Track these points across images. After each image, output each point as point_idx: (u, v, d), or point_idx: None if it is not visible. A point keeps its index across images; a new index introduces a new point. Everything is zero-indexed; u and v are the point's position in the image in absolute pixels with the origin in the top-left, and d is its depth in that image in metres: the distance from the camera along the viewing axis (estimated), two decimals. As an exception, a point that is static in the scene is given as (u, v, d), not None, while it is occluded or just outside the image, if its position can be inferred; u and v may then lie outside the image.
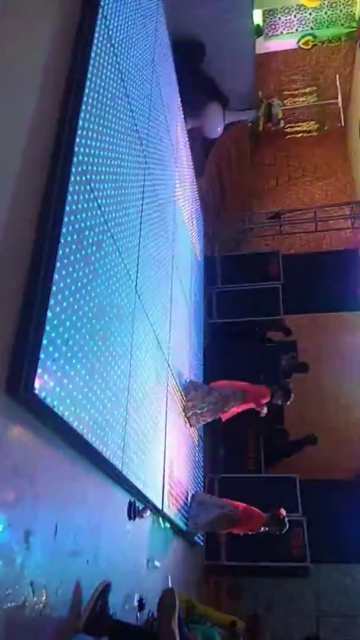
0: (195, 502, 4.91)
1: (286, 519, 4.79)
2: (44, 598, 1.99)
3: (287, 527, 4.81)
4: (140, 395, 3.37)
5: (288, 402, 5.40)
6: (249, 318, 8.16)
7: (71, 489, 2.35)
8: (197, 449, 5.81)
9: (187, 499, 4.82)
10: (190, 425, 5.18)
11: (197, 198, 7.57)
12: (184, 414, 5.03)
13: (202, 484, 5.96)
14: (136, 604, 3.22)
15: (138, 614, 3.22)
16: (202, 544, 6.08)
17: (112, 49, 3.11)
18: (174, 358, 4.74)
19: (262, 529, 4.77)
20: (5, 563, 1.74)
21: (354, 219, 9.74)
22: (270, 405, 5.25)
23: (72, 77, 2.58)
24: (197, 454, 5.78)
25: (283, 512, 4.82)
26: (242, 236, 10.63)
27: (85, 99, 2.54)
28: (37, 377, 1.84)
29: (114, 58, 3.15)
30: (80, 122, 2.46)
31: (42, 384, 1.89)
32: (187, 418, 5.10)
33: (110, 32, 3.11)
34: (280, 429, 8.37)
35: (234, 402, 5.16)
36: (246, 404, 5.22)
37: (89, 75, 2.64)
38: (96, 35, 2.81)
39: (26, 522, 1.89)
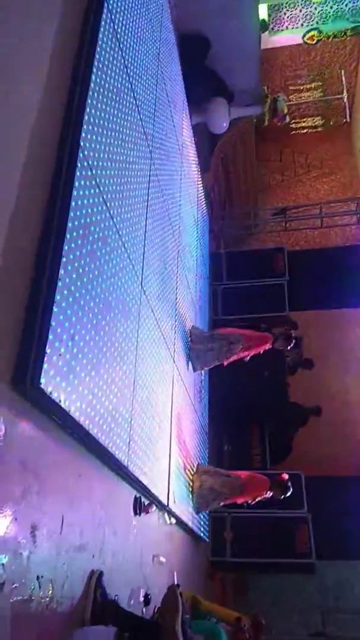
0: (201, 470, 5.04)
1: (289, 483, 4.87)
2: (50, 592, 2.00)
3: (290, 490, 4.88)
4: (146, 390, 3.37)
5: (289, 348, 5.45)
6: (254, 314, 8.15)
7: (77, 484, 2.36)
8: (203, 442, 5.82)
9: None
10: (194, 370, 5.32)
11: (203, 194, 7.55)
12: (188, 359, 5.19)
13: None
14: (142, 599, 3.22)
15: (144, 609, 3.23)
16: (207, 540, 6.09)
17: (117, 43, 3.10)
18: (179, 354, 4.74)
19: (266, 494, 4.84)
20: (12, 557, 1.74)
21: (359, 215, 9.69)
22: (273, 348, 5.31)
23: (78, 71, 2.57)
24: (202, 446, 5.79)
25: (285, 476, 4.95)
26: (247, 232, 10.60)
27: (90, 93, 2.53)
28: (43, 372, 1.84)
29: (120, 53, 3.14)
30: (86, 117, 2.45)
31: (48, 379, 1.89)
32: (191, 360, 5.23)
33: (116, 27, 3.10)
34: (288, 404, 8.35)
35: (238, 347, 5.24)
36: (249, 349, 5.27)
37: (95, 70, 2.63)
38: (102, 29, 2.80)
39: (32, 516, 1.90)
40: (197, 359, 5.28)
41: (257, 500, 4.92)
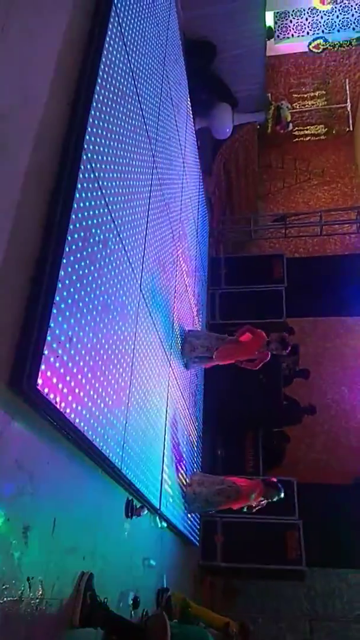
0: (194, 480, 5.04)
1: (281, 488, 4.95)
2: (40, 593, 2.00)
3: (283, 492, 4.94)
4: (142, 394, 3.37)
5: (284, 353, 5.34)
6: (251, 320, 8.15)
7: (70, 486, 2.36)
8: (195, 450, 5.82)
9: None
10: (187, 366, 5.24)
11: (204, 198, 7.57)
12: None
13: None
14: (131, 602, 3.22)
15: (132, 612, 3.23)
16: (198, 544, 6.08)
17: (124, 47, 3.11)
18: (175, 359, 4.74)
19: (262, 500, 4.89)
20: (3, 557, 1.74)
21: (359, 224, 9.73)
22: (268, 350, 5.15)
23: (84, 74, 2.58)
24: (195, 455, 5.79)
25: (274, 479, 5.09)
26: (247, 238, 10.63)
27: (95, 96, 2.55)
28: (40, 373, 1.85)
29: (126, 56, 3.16)
30: (90, 120, 2.46)
31: (45, 379, 1.89)
32: (183, 351, 5.14)
33: (123, 30, 3.11)
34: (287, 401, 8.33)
35: (228, 339, 5.22)
36: (243, 346, 5.13)
37: (100, 73, 2.64)
38: (109, 32, 2.81)
39: (25, 517, 1.90)
40: (187, 349, 5.17)
41: (253, 506, 4.93)
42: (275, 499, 4.91)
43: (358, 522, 6.76)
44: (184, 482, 4.88)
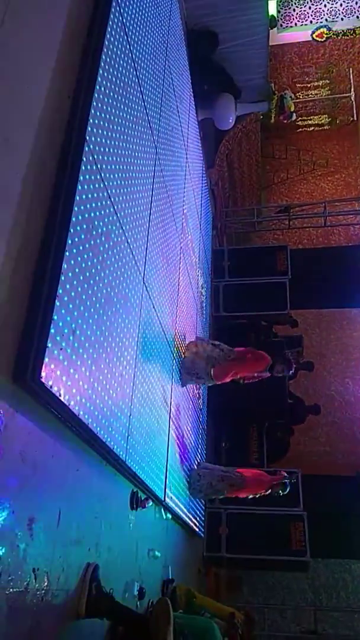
0: (200, 467, 5.09)
1: (288, 482, 4.98)
2: (45, 584, 2.01)
3: (289, 488, 4.98)
4: (145, 386, 3.37)
5: (290, 373, 5.02)
6: (255, 312, 8.15)
7: (75, 478, 2.37)
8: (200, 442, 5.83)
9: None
10: (182, 383, 4.77)
11: (207, 190, 7.54)
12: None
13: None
14: (136, 593, 3.24)
15: (138, 603, 3.25)
16: (202, 535, 6.12)
17: (125, 36, 3.09)
18: (179, 351, 4.74)
19: (267, 491, 4.92)
20: (8, 549, 1.75)
21: (363, 215, 9.69)
22: (271, 374, 4.84)
23: (85, 64, 2.56)
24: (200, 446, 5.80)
25: (284, 473, 5.09)
26: (250, 229, 10.59)
27: (97, 87, 2.52)
28: (43, 366, 1.85)
29: (127, 46, 3.13)
30: (92, 111, 2.44)
31: (49, 372, 1.89)
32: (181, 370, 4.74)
33: (124, 20, 3.08)
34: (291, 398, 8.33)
35: (229, 356, 4.79)
36: (243, 364, 4.78)
37: (102, 63, 2.61)
38: (110, 22, 2.78)
39: (30, 509, 1.91)
40: (186, 366, 4.77)
41: (257, 495, 4.98)
42: (280, 493, 4.95)
43: (362, 513, 6.79)
44: (189, 472, 4.92)
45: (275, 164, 12.42)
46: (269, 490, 4.93)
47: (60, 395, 1.98)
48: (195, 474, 4.94)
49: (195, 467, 5.06)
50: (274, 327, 8.98)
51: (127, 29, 3.13)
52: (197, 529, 5.56)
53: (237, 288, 8.10)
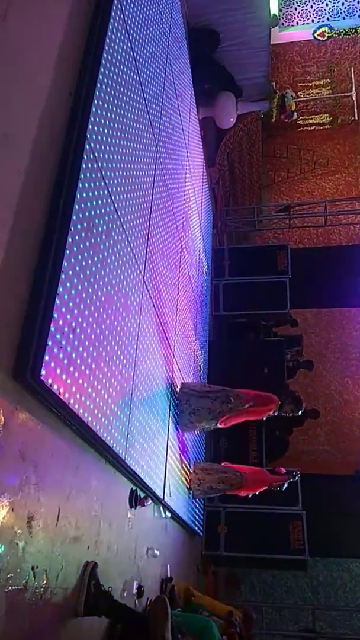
0: (198, 467, 5.06)
1: (286, 479, 4.98)
2: (44, 582, 2.01)
3: (286, 486, 4.98)
4: (145, 385, 3.37)
5: (300, 412, 4.81)
6: (255, 311, 8.15)
7: (74, 476, 2.37)
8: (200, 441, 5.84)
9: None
10: (181, 429, 4.54)
11: (207, 189, 7.53)
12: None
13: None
14: (135, 591, 3.25)
15: (137, 601, 3.25)
16: (201, 534, 6.12)
17: (126, 34, 3.08)
18: (179, 350, 4.74)
19: (266, 487, 4.94)
20: (7, 547, 1.75)
21: (364, 215, 9.68)
22: (279, 414, 4.71)
23: (86, 63, 2.56)
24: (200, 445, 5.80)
25: (283, 470, 5.11)
26: (251, 228, 10.58)
27: (98, 85, 2.52)
28: (44, 364, 1.85)
29: (128, 44, 3.12)
30: (93, 109, 2.44)
31: (49, 370, 1.89)
32: (178, 415, 4.49)
33: (126, 18, 3.08)
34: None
35: (236, 405, 4.55)
36: (251, 411, 4.61)
37: (103, 62, 2.61)
38: (111, 20, 2.78)
39: (29, 507, 1.91)
40: (185, 412, 4.49)
41: (257, 492, 4.98)
42: (278, 489, 4.95)
43: (360, 513, 6.80)
44: (188, 472, 4.91)
45: (276, 163, 12.41)
46: (267, 487, 4.94)
47: (60, 394, 1.98)
48: (195, 477, 4.92)
49: (193, 467, 5.05)
50: (273, 327, 8.98)
51: (128, 27, 3.12)
52: (196, 528, 5.56)
53: (237, 287, 8.10)
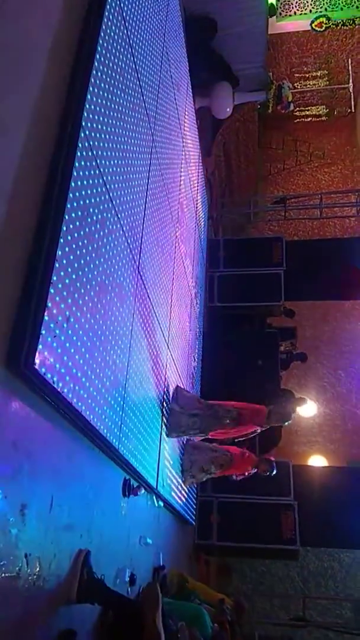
0: (190, 446, 5.10)
1: (275, 466, 4.97)
2: (37, 570, 2.02)
3: (275, 469, 4.96)
4: (139, 375, 3.38)
5: (287, 424, 4.83)
6: (249, 303, 8.15)
7: (68, 465, 2.38)
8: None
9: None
10: (167, 434, 4.39)
11: (203, 179, 7.50)
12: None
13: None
14: (127, 579, 3.27)
15: (129, 589, 3.28)
16: (194, 523, 6.16)
17: (123, 22, 3.05)
18: (173, 340, 4.74)
19: (253, 469, 4.95)
20: (0, 534, 1.76)
21: (359, 207, 9.67)
22: (268, 426, 4.69)
23: (81, 50, 2.53)
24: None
25: (272, 458, 5.11)
26: (246, 220, 10.56)
27: (94, 72, 2.49)
28: (37, 353, 1.85)
29: (125, 32, 3.09)
30: (88, 96, 2.42)
31: (42, 359, 1.89)
32: (167, 421, 4.39)
33: (122, 4, 3.04)
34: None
35: (225, 422, 4.54)
36: (240, 426, 4.61)
37: (99, 49, 2.59)
38: (107, 7, 2.75)
39: (23, 495, 1.91)
40: (174, 423, 4.44)
41: (244, 474, 5.01)
42: (266, 474, 4.96)
43: (351, 504, 6.86)
44: (181, 453, 4.97)
45: (272, 154, 12.37)
46: (256, 469, 4.96)
47: (53, 383, 1.98)
48: (187, 461, 4.98)
49: (185, 447, 5.09)
50: (268, 318, 9.00)
51: (124, 14, 3.09)
52: (188, 517, 5.60)
53: (232, 279, 8.09)
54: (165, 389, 4.31)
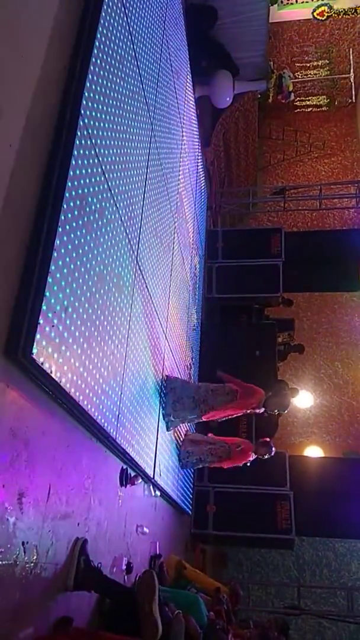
0: (188, 438, 5.14)
1: (272, 445, 4.96)
2: (34, 558, 2.04)
3: (273, 451, 4.96)
4: (137, 365, 3.38)
5: (285, 412, 4.75)
6: (247, 294, 8.15)
7: (65, 454, 2.38)
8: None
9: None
10: (167, 424, 4.43)
11: (202, 169, 7.46)
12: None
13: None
14: (124, 567, 3.29)
15: (126, 577, 3.31)
16: (190, 512, 6.21)
17: (123, 9, 3.01)
18: (171, 331, 4.74)
19: (252, 455, 4.95)
20: (-2, 523, 1.77)
21: (358, 199, 9.65)
22: (264, 412, 4.66)
23: (81, 37, 2.50)
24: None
25: (267, 438, 5.10)
26: (245, 211, 10.53)
27: (93, 59, 2.47)
28: (35, 343, 1.84)
29: (125, 19, 3.06)
30: (87, 84, 2.39)
31: (40, 349, 1.89)
32: (164, 405, 4.38)
33: (122, -9, 3.00)
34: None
35: (220, 400, 4.53)
36: (234, 405, 4.57)
37: (98, 36, 2.56)
38: (107, -7, 2.71)
39: (20, 483, 1.92)
40: (169, 401, 4.41)
41: (242, 463, 5.04)
42: (266, 457, 4.97)
43: (347, 494, 6.90)
44: (179, 443, 4.98)
45: (272, 144, 12.31)
46: (255, 454, 4.97)
47: (51, 372, 1.98)
48: (184, 452, 5.00)
49: (183, 439, 5.11)
50: (266, 309, 9.00)
51: (125, 1, 3.05)
52: (185, 507, 5.63)
53: (231, 270, 8.08)
54: (163, 380, 4.31)
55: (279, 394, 4.63)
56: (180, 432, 5.11)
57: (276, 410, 4.74)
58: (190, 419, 4.65)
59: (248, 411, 4.66)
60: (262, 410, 4.60)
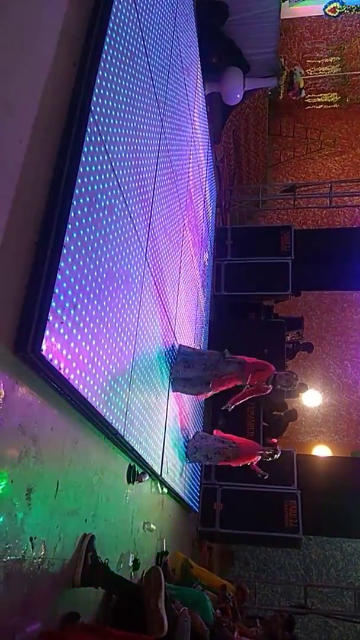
0: (198, 435, 5.19)
1: (278, 446, 5.03)
2: (42, 553, 2.05)
3: (279, 453, 5.02)
4: (145, 362, 3.38)
5: (291, 389, 4.64)
6: (256, 292, 8.12)
7: (73, 450, 2.39)
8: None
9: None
10: (174, 389, 4.42)
11: (212, 166, 7.44)
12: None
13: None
14: (131, 563, 3.30)
15: (132, 574, 3.32)
16: (197, 510, 6.21)
17: (134, 5, 3.00)
18: (179, 328, 4.74)
19: (259, 456, 5.00)
20: (6, 518, 1.78)
21: (369, 197, 9.57)
22: (272, 387, 4.57)
23: (91, 33, 2.50)
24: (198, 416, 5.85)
25: (274, 440, 5.21)
26: (255, 208, 10.48)
27: (103, 55, 2.46)
28: (44, 339, 1.85)
29: (135, 15, 3.05)
30: (98, 81, 2.39)
31: (49, 346, 1.89)
32: (172, 373, 4.37)
33: (133, -13, 2.99)
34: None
35: (229, 369, 4.46)
36: (244, 376, 4.50)
37: (109, 32, 2.55)
38: (118, -11, 2.71)
39: (28, 479, 1.93)
40: (180, 370, 4.40)
41: (250, 463, 5.05)
42: (272, 457, 4.99)
43: (354, 494, 6.86)
44: (185, 443, 5.00)
45: (282, 141, 12.23)
46: (260, 457, 4.99)
47: (60, 369, 1.98)
48: (192, 447, 5.01)
49: (192, 437, 5.12)
50: (274, 306, 8.97)
51: (135, -4, 3.04)
52: (192, 504, 5.63)
53: (239, 267, 8.04)
54: (170, 377, 4.31)
55: (289, 374, 4.62)
56: (189, 429, 5.11)
57: (285, 388, 4.59)
58: (194, 381, 4.48)
59: (254, 389, 4.56)
60: (270, 388, 4.52)
